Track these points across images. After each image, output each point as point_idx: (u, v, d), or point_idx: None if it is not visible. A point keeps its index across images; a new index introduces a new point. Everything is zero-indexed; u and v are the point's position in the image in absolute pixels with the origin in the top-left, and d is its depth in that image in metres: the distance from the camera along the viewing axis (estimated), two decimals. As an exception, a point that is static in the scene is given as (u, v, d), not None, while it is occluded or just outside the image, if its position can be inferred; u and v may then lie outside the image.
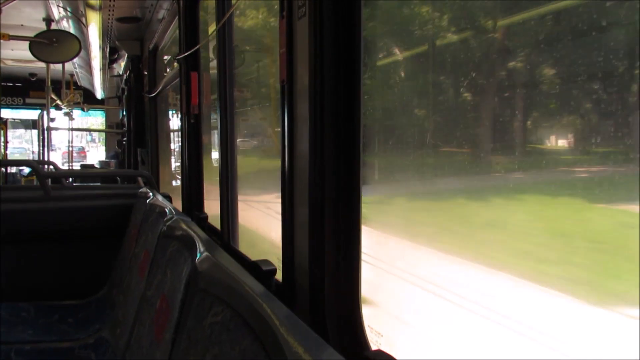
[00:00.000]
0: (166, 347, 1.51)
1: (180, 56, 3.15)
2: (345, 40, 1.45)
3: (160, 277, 1.89)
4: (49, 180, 3.62)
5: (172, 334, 1.50)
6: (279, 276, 1.82)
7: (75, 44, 5.41)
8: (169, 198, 3.50)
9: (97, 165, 10.87)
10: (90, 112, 13.12)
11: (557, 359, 1.19)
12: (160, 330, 1.66)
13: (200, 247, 1.61)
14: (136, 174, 3.77)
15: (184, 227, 1.93)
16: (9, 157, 11.93)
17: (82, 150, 22.09)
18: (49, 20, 6.23)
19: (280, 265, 1.79)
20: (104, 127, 12.58)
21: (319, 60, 1.46)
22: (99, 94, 10.92)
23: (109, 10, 4.66)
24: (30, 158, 11.85)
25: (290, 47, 1.57)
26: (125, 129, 8.22)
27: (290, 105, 1.63)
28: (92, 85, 10.16)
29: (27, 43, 6.03)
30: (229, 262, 1.50)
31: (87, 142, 24.78)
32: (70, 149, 10.66)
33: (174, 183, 6.26)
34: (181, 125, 3.39)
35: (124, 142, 8.33)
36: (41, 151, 8.65)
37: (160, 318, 1.73)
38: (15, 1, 5.12)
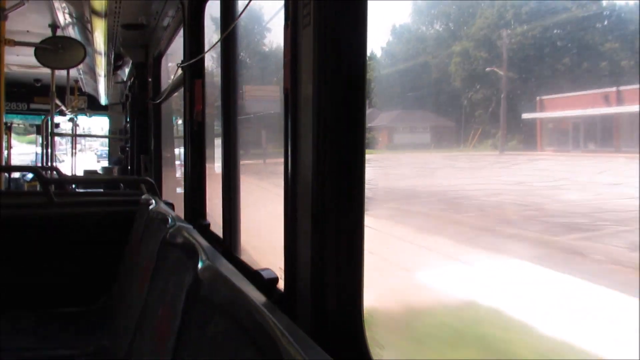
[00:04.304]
0: (168, 356, 1.49)
1: (185, 64, 3.15)
2: (350, 48, 1.44)
3: (162, 286, 1.88)
4: (52, 186, 3.61)
5: (174, 343, 1.48)
6: (281, 284, 1.81)
7: (80, 51, 5.43)
8: (171, 205, 3.49)
9: (99, 171, 10.89)
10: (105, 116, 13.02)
11: None
12: (162, 339, 1.64)
13: (202, 255, 1.60)
14: (139, 181, 3.77)
15: (186, 235, 1.92)
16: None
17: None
18: (54, 26, 6.25)
19: (282, 273, 1.78)
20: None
21: (323, 69, 1.45)
22: (103, 100, 10.96)
23: (115, 17, 4.67)
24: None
25: (295, 55, 1.57)
26: (128, 135, 8.24)
27: (294, 113, 1.62)
28: (97, 91, 10.19)
29: (32, 49, 6.06)
30: (230, 272, 1.49)
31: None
32: (74, 154, 10.68)
33: (178, 190, 6.26)
34: (184, 133, 3.39)
35: (128, 149, 8.35)
36: (45, 157, 8.67)
37: (161, 327, 1.71)
38: (21, 7, 5.15)
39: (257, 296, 1.31)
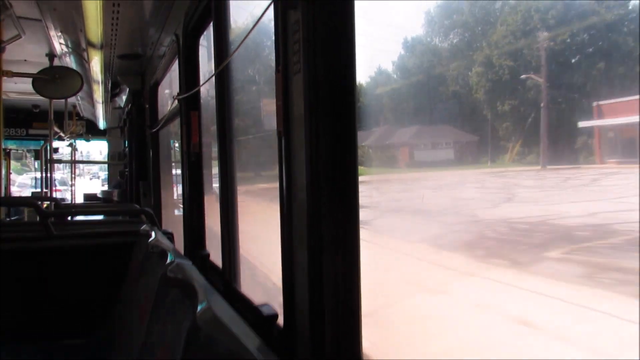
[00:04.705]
0: None
1: (181, 96, 3.20)
2: (340, 95, 1.48)
3: (161, 327, 1.89)
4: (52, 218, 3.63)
5: None
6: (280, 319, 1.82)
7: (77, 80, 5.48)
8: (170, 235, 3.51)
9: (99, 195, 10.90)
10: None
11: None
12: None
13: (200, 297, 1.62)
14: (138, 211, 3.80)
15: (185, 274, 1.94)
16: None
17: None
18: (51, 55, 6.31)
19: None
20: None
21: (314, 113, 1.49)
22: (102, 124, 11.02)
23: (110, 48, 4.73)
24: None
25: (286, 100, 1.61)
26: (127, 159, 8.28)
27: (287, 155, 1.66)
28: (95, 116, 10.25)
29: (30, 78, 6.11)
30: (229, 316, 1.51)
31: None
32: (73, 182, 10.70)
33: (176, 212, 6.28)
34: (182, 164, 3.42)
35: (127, 173, 8.38)
36: (44, 184, 8.69)
37: None
38: (19, 39, 5.21)
39: (255, 342, 1.32)
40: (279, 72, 1.61)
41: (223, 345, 1.25)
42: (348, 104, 1.48)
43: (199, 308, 1.55)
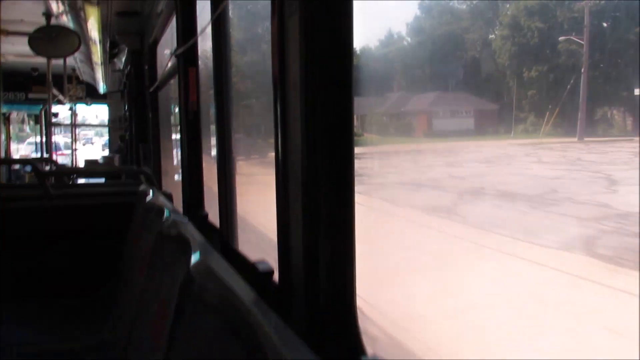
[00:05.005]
0: (163, 351, 1.49)
1: (178, 51, 3.12)
2: (336, 38, 1.42)
3: (158, 280, 1.87)
4: (51, 178, 3.60)
5: (168, 339, 1.48)
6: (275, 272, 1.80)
7: (74, 39, 5.38)
8: (169, 196, 3.48)
9: (100, 161, 10.89)
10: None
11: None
12: (158, 334, 1.64)
13: (195, 250, 1.59)
14: (136, 172, 3.76)
15: (181, 229, 1.91)
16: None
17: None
18: (48, 14, 6.19)
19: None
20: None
21: (310, 58, 1.44)
22: (102, 88, 10.91)
23: (108, 4, 4.62)
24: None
25: (282, 44, 1.55)
26: (127, 123, 8.22)
27: (282, 101, 1.61)
28: (94, 79, 10.14)
29: (27, 37, 6.00)
30: (223, 268, 1.48)
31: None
32: (74, 145, 10.66)
33: (176, 177, 6.26)
34: (180, 122, 3.36)
35: (127, 137, 8.34)
36: (43, 148, 8.66)
37: (157, 322, 1.71)
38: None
39: (249, 295, 1.30)
40: (275, 15, 1.54)
41: (215, 294, 1.22)
42: (345, 47, 1.42)
43: (193, 261, 1.52)
